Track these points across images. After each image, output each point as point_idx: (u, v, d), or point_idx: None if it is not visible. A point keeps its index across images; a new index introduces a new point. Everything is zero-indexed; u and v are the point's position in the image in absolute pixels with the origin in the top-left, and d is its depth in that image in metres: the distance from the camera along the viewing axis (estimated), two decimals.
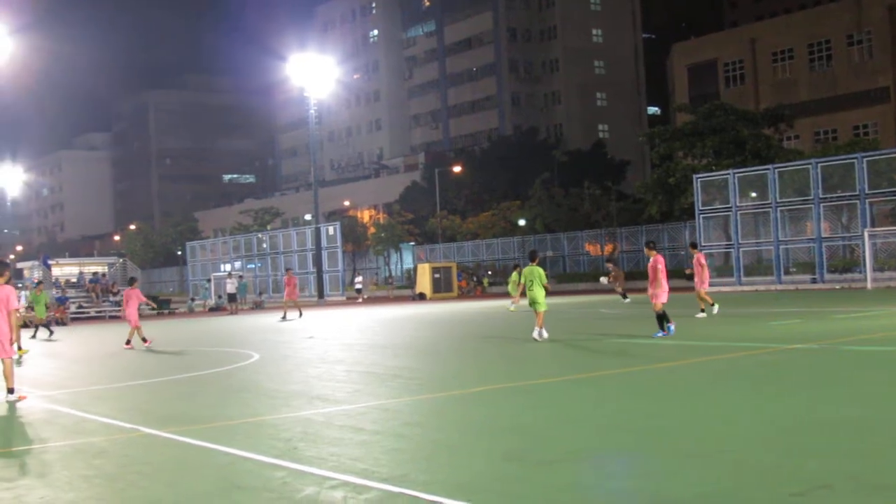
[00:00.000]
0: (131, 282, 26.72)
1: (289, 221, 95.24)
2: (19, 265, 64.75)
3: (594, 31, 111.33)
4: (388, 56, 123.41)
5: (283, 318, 36.36)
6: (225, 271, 61.99)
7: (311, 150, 69.37)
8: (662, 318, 18.26)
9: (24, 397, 13.34)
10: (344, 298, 59.63)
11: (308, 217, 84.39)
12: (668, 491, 6.60)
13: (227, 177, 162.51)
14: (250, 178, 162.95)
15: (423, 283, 57.96)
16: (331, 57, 65.75)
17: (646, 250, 19.45)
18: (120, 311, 48.34)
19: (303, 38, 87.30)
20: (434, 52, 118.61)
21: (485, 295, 59.79)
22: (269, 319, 37.49)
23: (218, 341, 26.41)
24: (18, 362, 18.99)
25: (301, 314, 37.30)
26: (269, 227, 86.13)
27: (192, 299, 60.05)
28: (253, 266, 68.73)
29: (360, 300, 58.66)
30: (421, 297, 56.62)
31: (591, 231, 66.87)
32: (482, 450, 8.50)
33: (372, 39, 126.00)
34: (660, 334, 18.18)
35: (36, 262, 55.03)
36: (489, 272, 67.57)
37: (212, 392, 14.11)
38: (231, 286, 49.25)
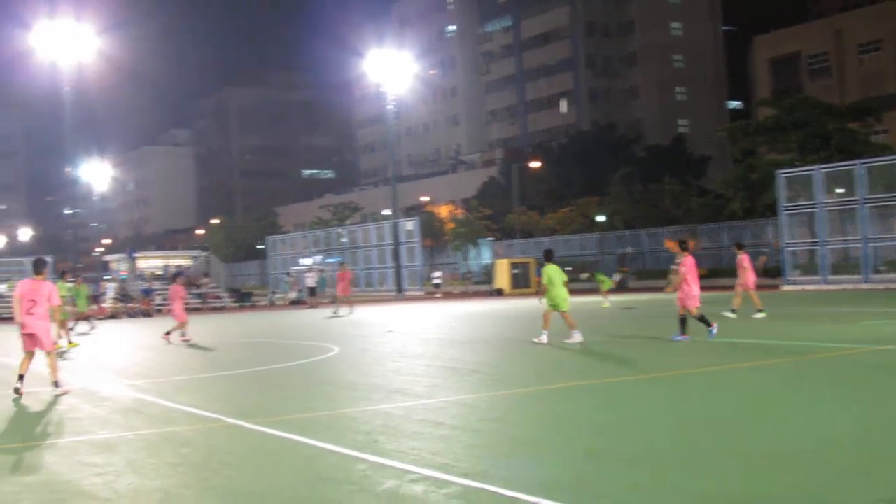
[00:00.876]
0: (174, 278, 26.91)
1: (367, 216, 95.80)
2: (107, 258, 66.23)
3: (673, 25, 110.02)
4: (465, 51, 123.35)
5: (335, 313, 36.08)
6: (305, 265, 62.60)
7: (388, 145, 69.71)
8: (701, 320, 17.82)
9: (69, 391, 13.50)
10: (422, 293, 59.84)
11: (386, 212, 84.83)
12: (753, 491, 6.52)
13: (306, 172, 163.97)
14: (329, 174, 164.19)
15: (501, 278, 57.93)
16: (408, 53, 66.04)
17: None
18: (201, 303, 49.37)
19: (380, 35, 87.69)
20: (511, 48, 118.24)
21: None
22: (350, 313, 37.72)
23: (298, 334, 26.68)
24: (63, 355, 19.33)
25: (352, 311, 36.79)
26: (347, 222, 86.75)
27: (273, 293, 60.74)
28: (332, 260, 69.33)
29: (439, 295, 58.82)
30: (499, 292, 56.58)
31: (671, 227, 66.13)
32: (562, 447, 8.50)
33: (448, 35, 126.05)
34: (683, 338, 17.79)
35: (122, 255, 56.20)
36: (569, 269, 67.23)
37: (293, 384, 14.28)
38: (311, 280, 49.80)
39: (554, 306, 18.26)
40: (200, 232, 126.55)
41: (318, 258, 68.16)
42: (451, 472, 7.35)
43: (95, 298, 47.28)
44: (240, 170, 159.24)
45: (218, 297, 51.81)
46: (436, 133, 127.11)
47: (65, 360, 19.21)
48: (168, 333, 23.71)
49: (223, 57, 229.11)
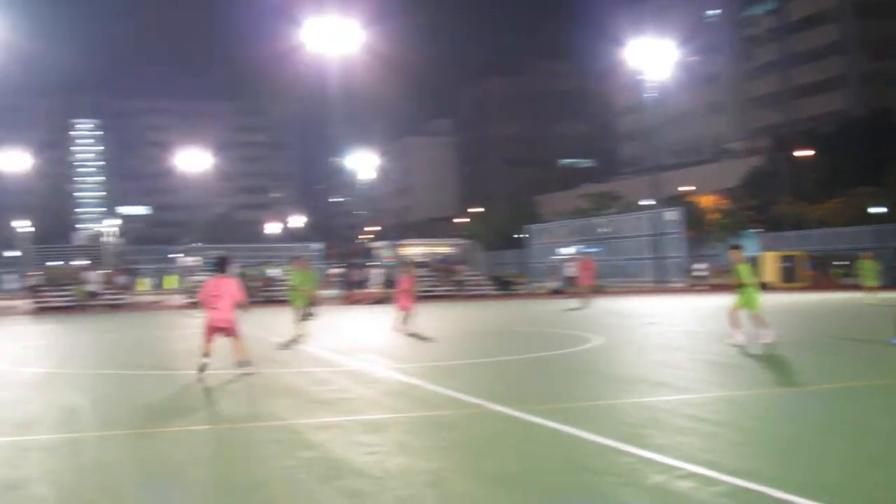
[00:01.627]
0: (406, 266, 26.59)
1: (627, 206, 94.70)
2: (372, 245, 68.71)
3: None
4: (727, 36, 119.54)
5: (579, 306, 34.47)
6: (564, 254, 62.61)
7: (648, 133, 68.66)
8: None
9: (253, 373, 14.09)
10: (684, 285, 58.62)
11: (646, 202, 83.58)
12: None
13: (564, 161, 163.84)
14: (588, 163, 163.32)
15: (769, 272, 55.90)
16: (668, 39, 64.73)
17: None
18: (458, 290, 50.40)
19: (638, 21, 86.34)
20: (775, 32, 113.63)
21: (836, 286, 56.76)
22: (609, 304, 37.42)
23: (557, 324, 26.67)
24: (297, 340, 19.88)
25: (589, 303, 34.76)
26: (606, 212, 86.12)
27: (534, 281, 61.08)
28: (592, 250, 69.03)
29: (702, 287, 57.43)
30: (764, 286, 54.59)
31: None
32: (842, 451, 8.11)
33: (709, 20, 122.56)
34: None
35: (387, 243, 58.13)
36: (843, 263, 63.92)
37: (555, 373, 14.33)
38: (571, 270, 49.75)
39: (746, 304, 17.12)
40: (461, 220, 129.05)
41: (577, 248, 68.01)
42: (720, 469, 7.18)
43: (360, 284, 49.25)
44: (499, 159, 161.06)
45: (478, 285, 52.68)
46: (696, 121, 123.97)
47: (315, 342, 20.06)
48: (403, 323, 23.72)
49: (483, 47, 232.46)
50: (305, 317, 22.53)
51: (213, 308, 14.14)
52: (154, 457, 8.33)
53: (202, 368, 13.76)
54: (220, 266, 14.85)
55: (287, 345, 19.81)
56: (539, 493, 6.76)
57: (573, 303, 35.19)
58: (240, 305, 14.18)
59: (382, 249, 59.05)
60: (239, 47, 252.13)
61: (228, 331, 14.26)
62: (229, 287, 14.32)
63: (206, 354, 14.04)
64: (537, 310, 35.91)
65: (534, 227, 77.74)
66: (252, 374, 14.15)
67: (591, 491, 6.82)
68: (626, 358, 16.21)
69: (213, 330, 14.16)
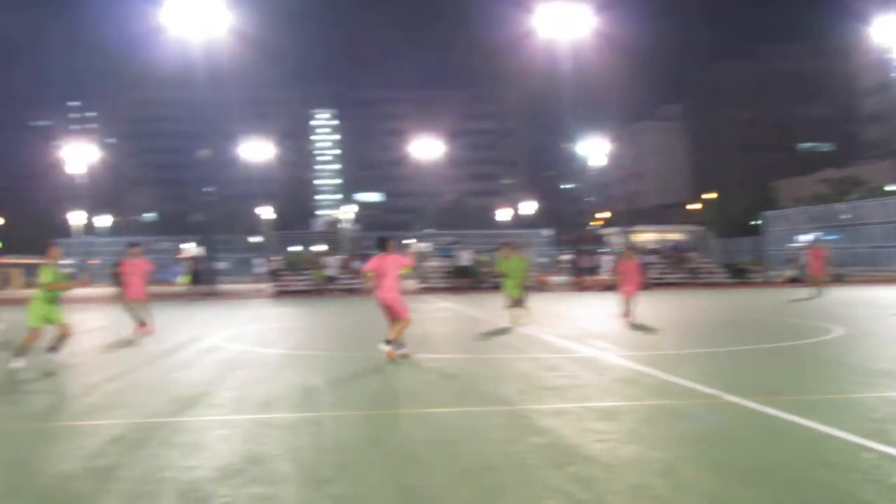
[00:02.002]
0: (626, 252, 25.73)
1: (870, 191, 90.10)
2: (603, 231, 68.30)
3: None
4: None
5: (810, 295, 32.57)
6: (802, 242, 60.29)
7: (895, 115, 65.01)
8: None
9: (393, 356, 14.35)
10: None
11: (892, 187, 79.27)
12: None
13: (802, 145, 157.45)
14: (828, 147, 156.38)
15: None
16: None
17: None
18: (691, 278, 49.42)
19: None
20: None
21: None
22: (849, 293, 35.81)
23: (795, 313, 25.70)
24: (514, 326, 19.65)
25: (822, 292, 32.60)
26: (848, 197, 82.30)
27: (770, 270, 59.17)
28: (831, 238, 66.17)
29: None
30: None
31: None
32: None
33: None
34: None
35: (618, 229, 57.65)
36: None
37: (793, 364, 13.84)
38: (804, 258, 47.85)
39: None
40: (693, 207, 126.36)
41: (816, 235, 65.37)
42: None
43: (590, 271, 49.06)
44: (733, 144, 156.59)
45: (711, 273, 51.51)
46: None
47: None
48: (625, 314, 23.13)
49: (716, 30, 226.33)
50: (517, 304, 22.59)
51: (378, 286, 14.62)
52: (388, 437, 8.60)
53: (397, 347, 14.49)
54: (380, 245, 15.10)
55: (498, 332, 19.99)
56: (774, 488, 6.57)
57: (804, 292, 33.46)
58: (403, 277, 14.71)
59: (613, 236, 58.62)
60: (470, 35, 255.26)
61: (392, 309, 14.68)
62: (393, 264, 14.70)
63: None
64: (773, 299, 34.67)
65: (770, 213, 75.26)
66: (406, 356, 14.54)
67: (830, 487, 6.56)
68: (869, 350, 15.45)
69: (385, 308, 14.71)
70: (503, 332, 20.16)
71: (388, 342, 14.60)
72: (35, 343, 14.27)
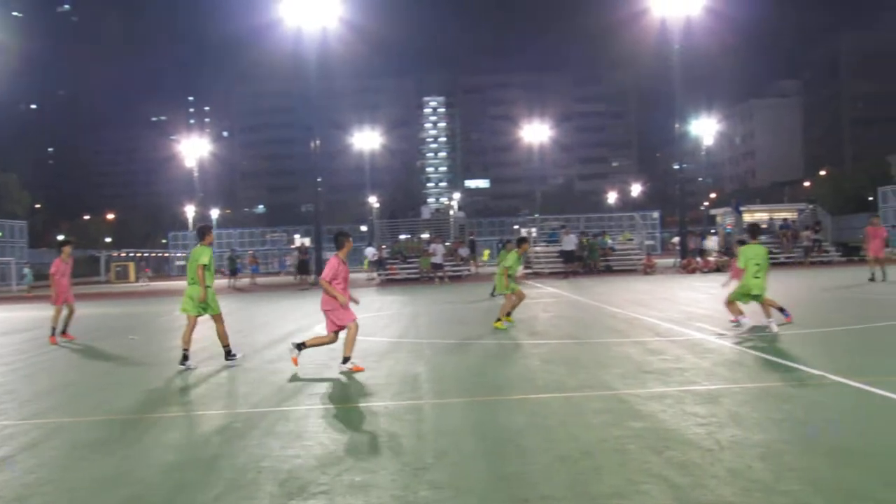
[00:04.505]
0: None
1: None
2: (712, 212, 67.23)
3: None
4: None
5: (870, 277, 30.13)
6: None
7: None
8: None
9: (360, 369, 12.58)
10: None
11: None
12: None
13: None
14: None
15: None
16: None
17: None
18: (803, 257, 48.31)
19: None
20: None
21: None
22: None
23: None
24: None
25: (884, 275, 29.94)
26: None
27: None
28: None
29: None
30: None
31: None
32: None
33: None
34: None
35: (728, 209, 56.62)
36: None
37: None
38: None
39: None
40: (807, 184, 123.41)
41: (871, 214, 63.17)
42: None
43: (699, 252, 48.34)
44: (849, 118, 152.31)
45: (824, 251, 50.26)
46: None
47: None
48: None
49: (833, 3, 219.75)
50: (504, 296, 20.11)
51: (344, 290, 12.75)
52: (487, 424, 8.62)
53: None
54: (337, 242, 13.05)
55: (602, 316, 19.81)
56: (878, 469, 6.44)
57: (876, 273, 30.49)
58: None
59: (723, 216, 57.63)
60: (580, 17, 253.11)
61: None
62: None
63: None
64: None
65: (886, 188, 72.97)
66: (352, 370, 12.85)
67: None
68: None
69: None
70: (607, 316, 20.04)
71: (346, 360, 12.76)
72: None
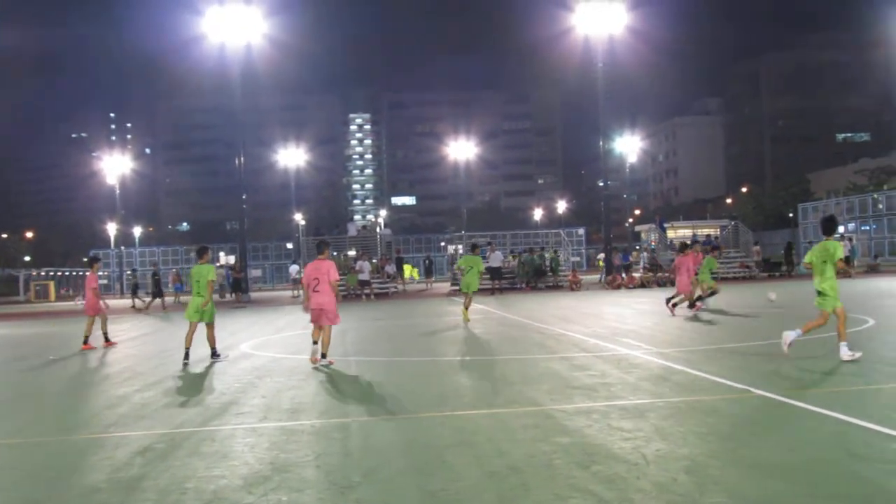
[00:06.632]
0: (683, 248, 26.31)
1: None
2: (637, 228, 68.06)
3: None
4: None
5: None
6: (839, 234, 59.78)
7: None
8: None
9: (332, 361, 14.93)
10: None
11: None
12: None
13: (839, 136, 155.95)
14: (865, 137, 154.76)
15: None
16: None
17: None
18: (720, 272, 49.07)
19: None
20: None
21: None
22: (886, 284, 35.41)
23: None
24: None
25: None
26: (885, 187, 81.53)
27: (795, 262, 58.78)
28: (867, 228, 65.62)
29: None
30: None
31: None
32: None
33: None
34: None
35: (652, 225, 57.40)
36: None
37: (822, 356, 13.66)
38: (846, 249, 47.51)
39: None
40: (729, 201, 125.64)
41: (852, 226, 64.84)
42: None
43: (624, 268, 48.89)
44: (770, 136, 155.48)
45: (744, 267, 51.16)
46: None
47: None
48: (673, 305, 23.82)
49: (754, 22, 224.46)
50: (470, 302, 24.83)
51: (315, 291, 14.81)
52: (415, 441, 8.60)
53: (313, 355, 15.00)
54: (318, 249, 15.60)
55: (528, 332, 19.92)
56: (801, 480, 6.54)
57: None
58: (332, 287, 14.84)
59: (647, 232, 58.38)
60: (506, 36, 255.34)
61: (326, 314, 14.86)
62: (327, 270, 14.82)
63: (314, 342, 15.05)
64: (805, 291, 34.36)
65: (805, 205, 74.67)
66: (330, 366, 14.72)
67: (858, 479, 6.53)
68: None
69: (316, 314, 14.88)
70: (534, 332, 20.15)
71: (324, 356, 14.95)
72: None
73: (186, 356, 16.10)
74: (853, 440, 7.73)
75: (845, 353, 12.77)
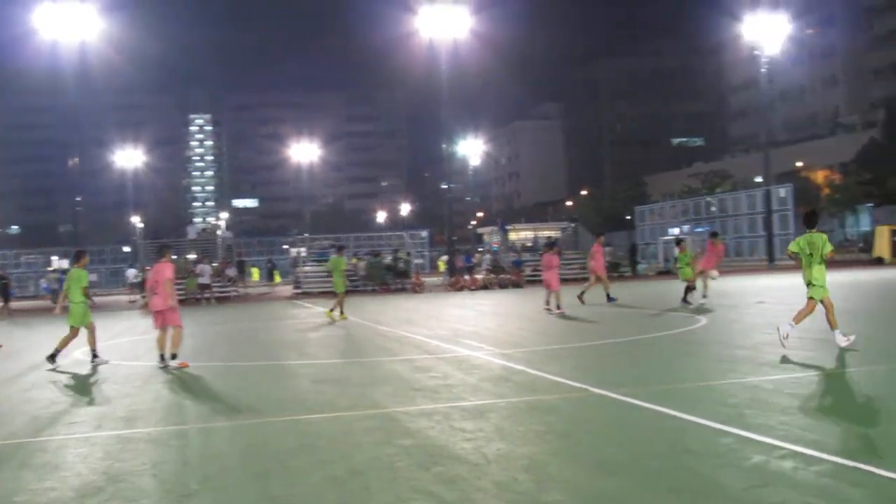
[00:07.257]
0: (549, 248, 27.14)
1: (738, 184, 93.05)
2: (479, 230, 68.85)
3: None
4: (845, 8, 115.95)
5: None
6: (672, 235, 61.84)
7: (762, 110, 67.27)
8: None
9: (186, 364, 14.89)
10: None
11: (758, 179, 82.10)
12: None
13: (675, 140, 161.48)
14: (699, 141, 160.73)
15: (882, 246, 54.25)
16: (783, 13, 63.45)
17: None
18: (561, 273, 50.13)
19: None
20: None
21: None
22: (718, 284, 36.63)
23: (665, 304, 26.25)
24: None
25: (705, 293, 27.29)
26: (717, 190, 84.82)
27: (638, 262, 60.55)
28: (701, 230, 68.09)
29: None
30: (879, 261, 53.04)
31: None
32: None
33: None
34: None
35: (494, 228, 58.19)
36: None
37: (659, 355, 14.17)
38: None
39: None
40: (569, 203, 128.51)
41: (686, 227, 67.17)
42: (823, 449, 7.05)
43: (467, 270, 49.37)
44: (609, 140, 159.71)
45: (583, 268, 52.29)
46: (812, 95, 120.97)
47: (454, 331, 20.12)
48: (548, 304, 24.50)
49: (593, 29, 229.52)
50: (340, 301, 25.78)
51: (154, 293, 15.08)
52: (255, 447, 8.48)
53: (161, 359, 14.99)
54: (159, 252, 16.04)
55: (374, 335, 19.96)
56: (638, 477, 6.69)
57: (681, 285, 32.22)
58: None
59: (490, 235, 59.14)
60: (350, 38, 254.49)
61: (166, 316, 15.02)
62: (166, 272, 15.02)
63: (160, 346, 15.13)
64: (642, 291, 35.57)
65: (642, 208, 76.96)
66: (179, 368, 14.70)
67: (691, 473, 6.72)
68: (731, 338, 15.94)
69: (157, 316, 15.08)
70: (377, 334, 20.16)
71: (174, 356, 14.93)
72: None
73: (95, 356, 16.14)
74: (687, 436, 7.96)
75: (840, 339, 13.44)
